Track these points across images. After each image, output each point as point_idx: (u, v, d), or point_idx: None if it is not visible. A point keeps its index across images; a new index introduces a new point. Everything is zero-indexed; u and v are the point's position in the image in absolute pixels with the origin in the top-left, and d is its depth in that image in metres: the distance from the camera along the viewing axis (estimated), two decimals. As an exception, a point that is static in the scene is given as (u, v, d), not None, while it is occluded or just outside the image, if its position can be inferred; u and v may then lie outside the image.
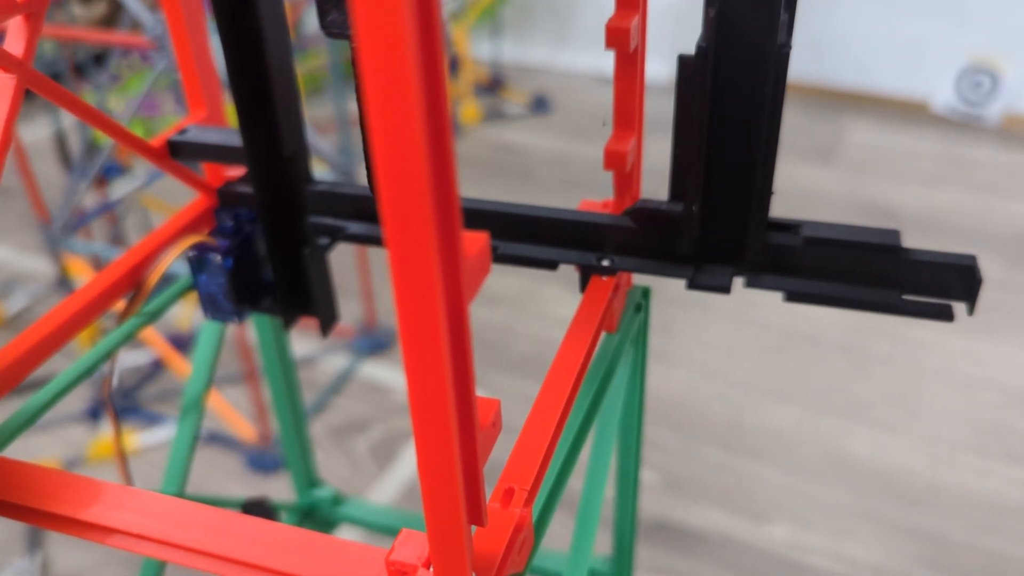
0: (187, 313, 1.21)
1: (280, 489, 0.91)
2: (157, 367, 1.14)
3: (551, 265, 0.28)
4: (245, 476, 0.96)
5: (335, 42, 1.12)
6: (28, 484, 0.20)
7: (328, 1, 0.21)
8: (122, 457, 0.34)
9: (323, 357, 1.14)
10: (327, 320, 0.31)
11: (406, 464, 0.98)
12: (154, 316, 0.28)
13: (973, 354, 1.11)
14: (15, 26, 0.22)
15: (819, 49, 1.89)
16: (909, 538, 0.87)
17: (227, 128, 0.30)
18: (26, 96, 0.24)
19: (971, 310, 0.25)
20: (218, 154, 0.29)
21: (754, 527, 0.89)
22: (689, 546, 0.87)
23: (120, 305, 0.29)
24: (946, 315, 0.25)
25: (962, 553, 0.85)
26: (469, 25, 1.86)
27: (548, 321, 1.21)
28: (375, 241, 0.30)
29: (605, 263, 0.28)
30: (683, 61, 0.24)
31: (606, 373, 0.28)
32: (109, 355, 0.27)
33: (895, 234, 0.25)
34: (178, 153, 0.29)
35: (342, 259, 1.20)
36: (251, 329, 1.03)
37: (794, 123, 1.81)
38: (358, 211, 0.30)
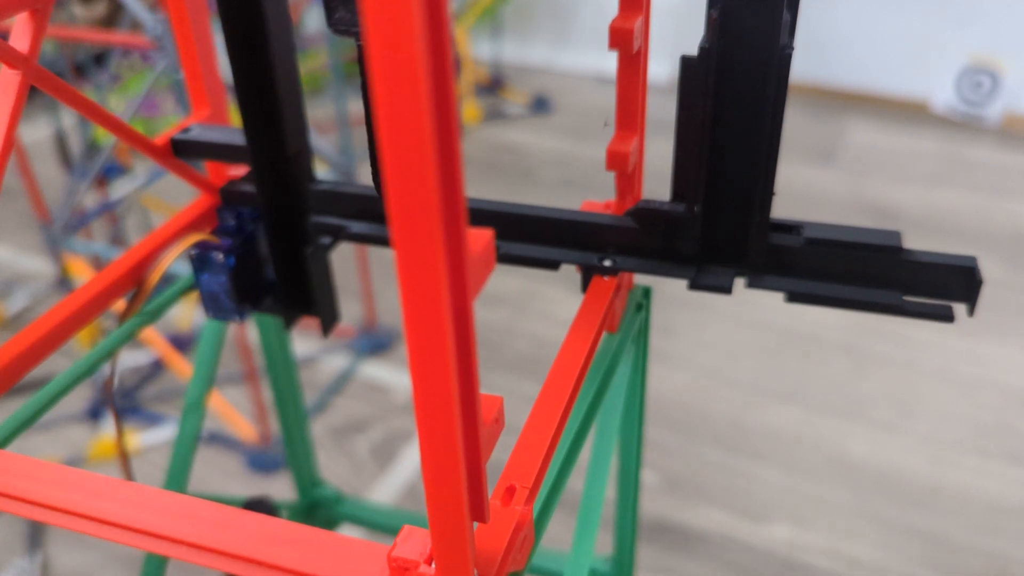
0: (187, 313, 1.21)
1: (280, 489, 0.92)
2: (157, 367, 1.14)
3: (553, 265, 0.29)
4: (245, 476, 0.96)
5: (335, 42, 1.12)
6: (27, 476, 0.20)
7: None
8: (124, 457, 0.34)
9: (323, 357, 1.14)
10: (328, 320, 0.31)
11: (406, 464, 0.98)
12: (155, 315, 0.28)
13: (973, 354, 1.11)
14: (21, 22, 0.22)
15: (819, 49, 1.89)
16: (909, 538, 0.87)
17: (230, 127, 0.30)
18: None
19: (971, 311, 0.25)
20: (221, 153, 0.29)
21: (754, 527, 0.89)
22: (689, 546, 0.87)
23: (120, 304, 0.29)
24: (947, 316, 0.25)
25: (962, 553, 0.85)
26: (469, 25, 1.86)
27: (549, 321, 1.21)
28: (377, 240, 0.30)
29: (607, 263, 0.28)
30: (685, 62, 0.24)
31: (607, 372, 0.28)
32: (110, 355, 0.27)
33: (896, 235, 0.25)
34: (181, 152, 0.29)
35: (342, 259, 1.20)
36: (251, 329, 1.03)
37: (794, 123, 1.81)
38: (360, 210, 0.30)
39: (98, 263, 1.13)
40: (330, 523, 0.43)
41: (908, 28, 1.79)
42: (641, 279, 0.32)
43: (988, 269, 1.27)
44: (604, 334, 0.29)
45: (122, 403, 1.05)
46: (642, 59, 0.25)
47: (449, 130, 0.12)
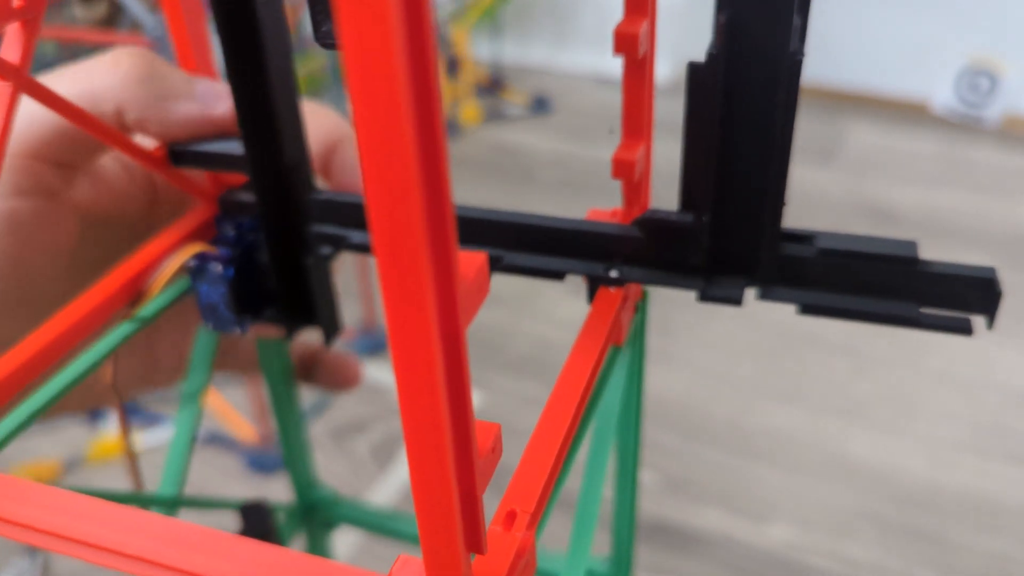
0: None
1: (280, 489, 0.92)
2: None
3: (558, 275, 0.28)
4: (245, 476, 0.97)
5: (335, 43, 1.12)
6: (11, 498, 0.20)
7: (321, 12, 0.21)
8: (132, 460, 0.34)
9: (323, 358, 1.15)
10: (330, 330, 0.31)
11: (406, 465, 0.98)
12: (149, 320, 0.28)
13: (973, 355, 1.11)
14: (11, 32, 0.22)
15: (819, 50, 1.89)
16: (909, 538, 0.87)
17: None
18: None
19: (991, 323, 0.25)
20: (219, 162, 0.28)
21: (754, 527, 0.89)
22: (689, 546, 0.87)
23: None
24: (965, 329, 0.25)
25: (962, 553, 0.85)
26: (469, 25, 1.86)
27: (549, 321, 1.21)
28: None
29: (613, 274, 0.27)
30: (693, 68, 0.23)
31: (603, 374, 0.27)
32: (104, 359, 0.27)
33: (912, 245, 0.25)
34: (178, 160, 0.29)
35: (342, 260, 1.20)
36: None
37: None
38: (361, 220, 0.29)
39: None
40: (328, 525, 0.43)
41: (908, 29, 1.79)
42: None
43: (988, 269, 1.27)
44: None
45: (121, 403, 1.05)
46: (648, 64, 0.25)
47: (436, 151, 0.11)
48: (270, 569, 0.18)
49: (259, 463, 0.98)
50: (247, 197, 0.30)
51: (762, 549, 0.86)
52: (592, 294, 0.27)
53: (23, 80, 0.23)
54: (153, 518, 0.19)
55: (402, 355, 0.13)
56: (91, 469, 0.98)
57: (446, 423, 0.13)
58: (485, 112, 1.89)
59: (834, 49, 1.88)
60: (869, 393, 1.06)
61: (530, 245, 0.28)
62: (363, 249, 0.29)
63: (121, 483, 0.91)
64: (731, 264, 0.26)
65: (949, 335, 0.25)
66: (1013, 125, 1.76)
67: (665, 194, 0.27)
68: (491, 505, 0.16)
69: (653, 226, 0.26)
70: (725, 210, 0.25)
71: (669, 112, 0.25)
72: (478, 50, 2.10)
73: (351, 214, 0.29)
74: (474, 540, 0.16)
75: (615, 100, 0.26)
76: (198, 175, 0.31)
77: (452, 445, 0.14)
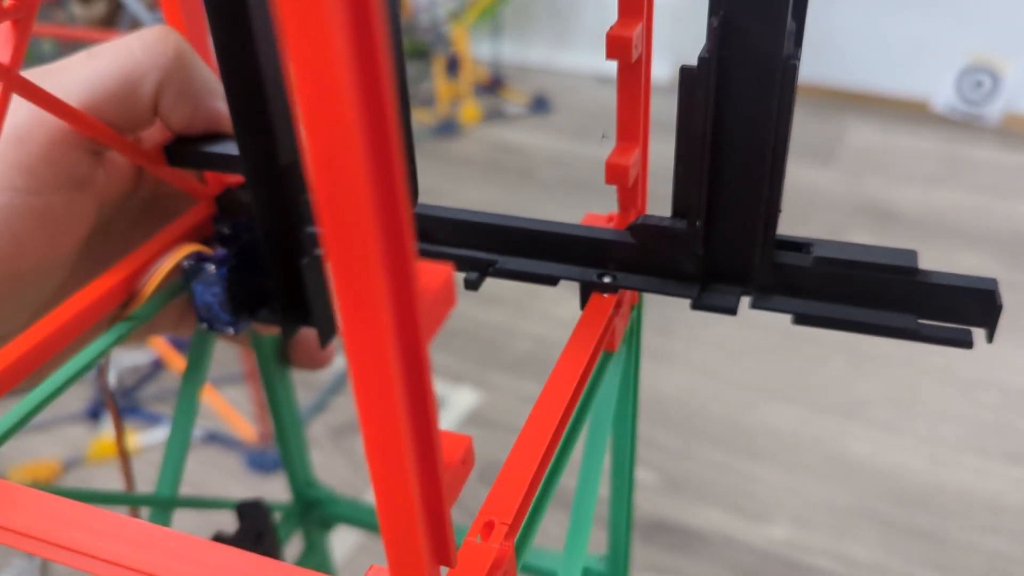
0: (187, 313, 1.21)
1: (280, 489, 0.92)
2: (157, 367, 1.14)
3: (552, 281, 0.27)
4: (245, 476, 0.97)
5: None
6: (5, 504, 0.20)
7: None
8: (125, 461, 0.34)
9: (323, 357, 1.14)
10: (326, 331, 0.31)
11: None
12: (143, 320, 0.28)
13: (973, 354, 1.11)
14: (3, 32, 0.22)
15: (819, 49, 1.89)
16: (909, 538, 0.87)
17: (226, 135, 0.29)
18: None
19: (990, 337, 0.24)
20: (215, 162, 0.28)
21: (754, 527, 0.89)
22: (689, 546, 0.87)
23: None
24: (965, 342, 0.24)
25: (962, 553, 0.85)
26: (469, 25, 1.86)
27: (548, 321, 1.21)
28: None
29: (606, 280, 0.27)
30: (685, 73, 0.23)
31: (595, 379, 0.27)
32: (98, 359, 0.27)
33: (911, 255, 0.24)
34: (174, 160, 0.29)
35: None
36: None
37: (793, 123, 1.80)
38: None
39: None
40: (325, 524, 0.43)
41: (908, 27, 1.79)
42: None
43: (988, 269, 1.27)
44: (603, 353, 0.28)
45: (121, 402, 1.05)
46: (643, 67, 0.24)
47: (389, 159, 0.11)
48: (239, 573, 0.18)
49: (259, 462, 0.98)
50: (244, 197, 0.30)
51: (762, 549, 0.86)
52: (585, 300, 0.27)
53: (15, 79, 0.22)
54: (140, 526, 0.19)
55: (359, 370, 0.12)
56: (91, 469, 0.98)
57: (406, 436, 0.13)
58: (485, 111, 1.89)
59: (835, 47, 1.87)
60: (869, 392, 1.06)
61: (524, 250, 0.28)
62: None
63: (121, 483, 0.91)
64: (725, 272, 0.26)
65: (989, 343, 0.24)
66: (1014, 124, 1.75)
67: (668, 194, 0.26)
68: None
69: (646, 232, 0.26)
70: (718, 217, 0.25)
71: (671, 112, 0.24)
72: (478, 49, 2.10)
73: None
74: (442, 553, 0.15)
75: (615, 100, 0.26)
76: (197, 174, 0.31)
77: (414, 458, 0.13)
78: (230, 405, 1.05)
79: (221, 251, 0.29)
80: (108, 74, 0.27)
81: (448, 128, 1.82)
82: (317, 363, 0.37)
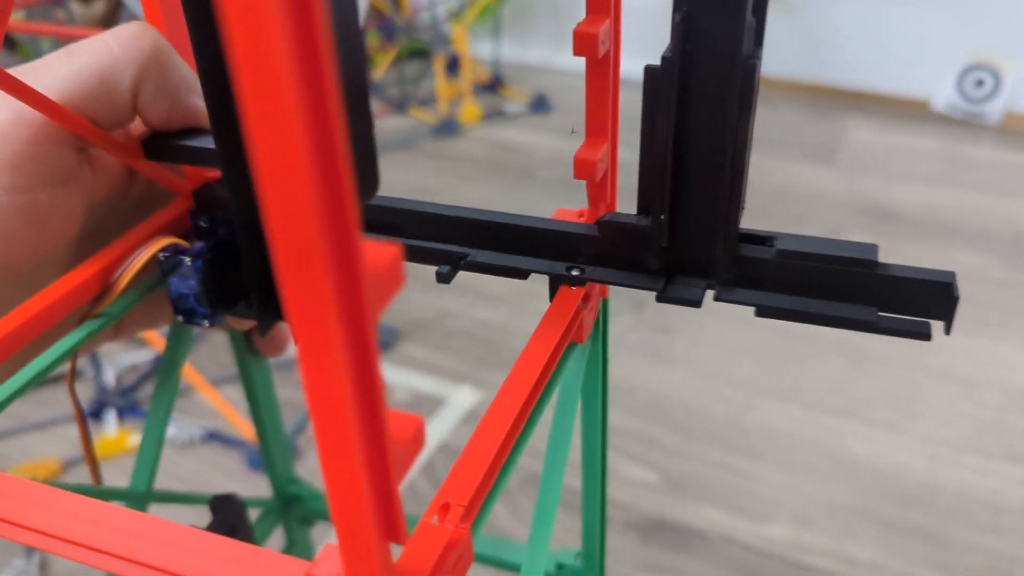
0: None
1: (279, 489, 0.91)
2: (157, 365, 1.14)
3: (522, 274, 0.28)
4: (245, 475, 0.96)
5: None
6: None
7: None
8: (91, 459, 0.34)
9: (323, 357, 1.14)
10: None
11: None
12: (118, 316, 0.28)
13: (973, 353, 1.11)
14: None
15: (819, 48, 1.89)
16: (909, 538, 0.87)
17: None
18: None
19: (948, 329, 0.24)
20: (192, 156, 0.28)
21: (754, 527, 0.88)
22: (689, 546, 0.87)
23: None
24: (924, 334, 0.24)
25: (963, 553, 0.85)
26: (469, 24, 1.86)
27: (548, 320, 1.21)
28: None
29: (574, 273, 0.27)
30: (649, 71, 0.23)
31: (562, 371, 0.27)
32: (67, 354, 0.27)
33: (872, 248, 0.24)
34: (152, 154, 0.29)
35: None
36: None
37: (794, 122, 1.81)
38: None
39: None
40: (306, 520, 0.43)
41: (909, 26, 1.79)
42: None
43: (988, 268, 1.27)
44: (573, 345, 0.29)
45: (121, 402, 1.05)
46: (611, 63, 0.25)
47: (329, 134, 0.11)
48: (194, 552, 0.18)
49: (259, 461, 0.98)
50: (222, 192, 0.30)
51: (762, 548, 0.86)
52: (554, 292, 0.28)
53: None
54: (123, 513, 0.19)
55: (305, 346, 0.12)
56: (90, 468, 0.98)
57: (352, 412, 0.13)
58: (485, 111, 1.89)
59: (835, 46, 1.87)
60: (869, 392, 1.06)
61: (495, 243, 0.28)
62: None
63: (122, 481, 0.91)
64: (690, 265, 0.26)
65: (947, 334, 0.25)
66: (1015, 123, 1.75)
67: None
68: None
69: (612, 229, 0.27)
70: (681, 212, 0.25)
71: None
72: (478, 49, 2.10)
73: None
74: (392, 530, 0.15)
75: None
76: (176, 169, 0.31)
77: (361, 434, 0.14)
78: (230, 404, 1.05)
79: (198, 245, 0.29)
80: (87, 71, 0.27)
81: (448, 127, 1.82)
82: (273, 350, 0.37)
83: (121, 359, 1.13)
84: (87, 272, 0.27)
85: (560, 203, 0.30)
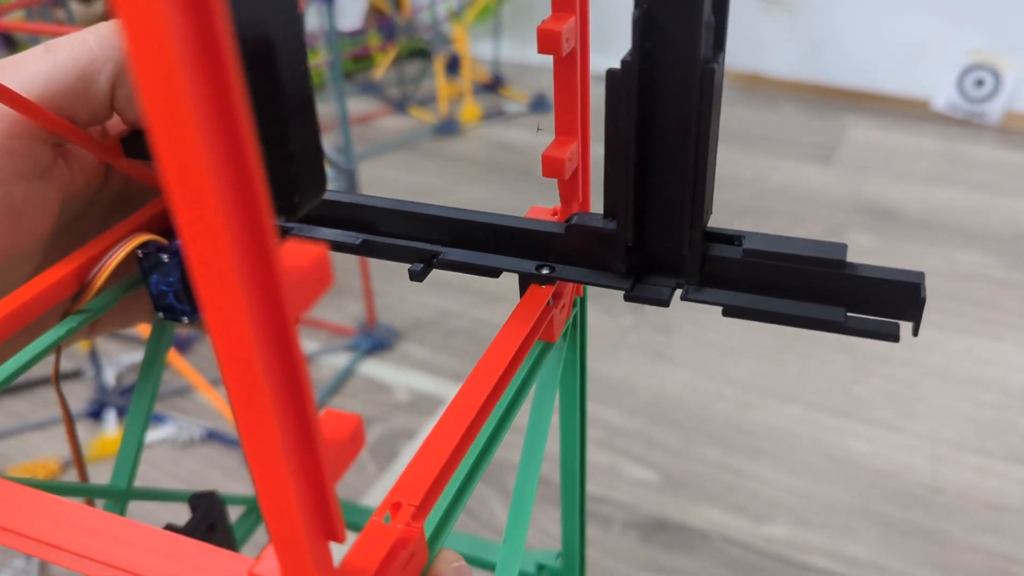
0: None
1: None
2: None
3: (493, 272, 0.28)
4: (245, 474, 0.96)
5: (335, 40, 1.11)
6: None
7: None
8: (78, 458, 0.34)
9: (323, 356, 1.14)
10: None
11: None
12: (98, 312, 0.28)
13: (973, 353, 1.11)
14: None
15: (819, 48, 1.89)
16: (910, 537, 0.87)
17: None
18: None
19: (916, 331, 0.24)
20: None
21: (754, 526, 0.88)
22: (689, 545, 0.87)
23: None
24: (891, 335, 0.24)
25: (963, 552, 0.85)
26: (469, 24, 1.86)
27: (548, 320, 1.21)
28: (340, 248, 0.30)
29: (544, 271, 0.28)
30: (610, 75, 0.23)
31: (531, 370, 0.27)
32: (46, 352, 0.27)
33: (841, 248, 0.24)
34: (131, 152, 0.29)
35: (343, 259, 1.19)
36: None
37: (794, 122, 1.81)
38: (312, 213, 0.30)
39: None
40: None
41: (909, 26, 1.79)
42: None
43: (989, 268, 1.27)
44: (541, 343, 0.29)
45: (120, 401, 1.05)
46: (579, 61, 0.25)
47: (235, 127, 0.11)
48: (140, 547, 0.18)
49: (258, 462, 0.98)
50: None
51: (762, 548, 0.86)
52: (524, 290, 0.28)
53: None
54: (102, 517, 0.19)
55: (223, 349, 0.12)
56: (91, 468, 0.98)
57: (274, 415, 0.13)
58: (485, 110, 1.89)
59: (835, 46, 1.87)
60: (869, 391, 1.06)
61: (468, 241, 0.28)
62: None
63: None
64: (658, 265, 0.26)
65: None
66: (1015, 122, 1.75)
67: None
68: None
69: (580, 232, 0.27)
70: (647, 213, 0.26)
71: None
72: (478, 49, 2.09)
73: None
74: (328, 528, 0.15)
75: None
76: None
77: (288, 437, 0.13)
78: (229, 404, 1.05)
79: (177, 241, 0.29)
80: (64, 68, 0.27)
81: (448, 127, 1.82)
82: None
83: (121, 359, 1.13)
84: (65, 269, 0.27)
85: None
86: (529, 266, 0.28)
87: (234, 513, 0.40)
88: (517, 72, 2.10)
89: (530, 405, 0.28)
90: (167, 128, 0.11)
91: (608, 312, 1.19)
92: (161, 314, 0.30)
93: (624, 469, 0.95)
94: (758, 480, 0.94)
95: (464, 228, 0.28)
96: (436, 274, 0.29)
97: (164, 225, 0.31)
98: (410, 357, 1.14)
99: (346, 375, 1.11)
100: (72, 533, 0.18)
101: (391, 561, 0.18)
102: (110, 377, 1.09)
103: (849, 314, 0.24)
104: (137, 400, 0.33)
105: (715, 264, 0.26)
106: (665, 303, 0.26)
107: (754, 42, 1.94)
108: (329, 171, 0.97)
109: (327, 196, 0.28)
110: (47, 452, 0.99)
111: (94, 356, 1.05)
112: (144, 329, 0.99)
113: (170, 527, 0.35)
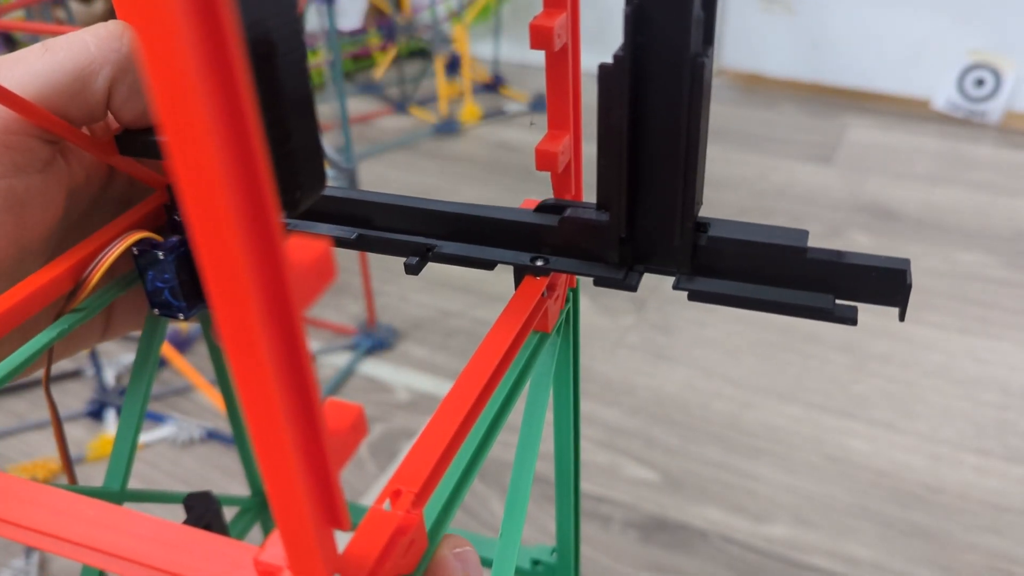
0: (187, 312, 1.20)
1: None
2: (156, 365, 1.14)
3: (488, 265, 0.29)
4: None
5: (335, 40, 1.11)
6: None
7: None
8: (65, 458, 0.34)
9: (323, 356, 1.14)
10: None
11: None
12: (93, 311, 0.28)
13: (974, 352, 1.11)
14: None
15: (819, 48, 1.89)
16: (910, 537, 0.87)
17: None
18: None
19: (902, 315, 0.25)
20: (165, 151, 0.29)
21: (754, 527, 0.88)
22: (689, 545, 0.87)
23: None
24: (849, 319, 0.25)
25: (963, 552, 0.85)
26: (469, 24, 1.86)
27: (548, 320, 1.21)
28: (340, 244, 0.30)
29: (539, 263, 0.28)
30: (603, 69, 0.24)
31: (527, 361, 0.28)
32: (41, 351, 0.27)
33: (802, 234, 0.25)
34: (125, 149, 0.29)
35: (343, 259, 1.19)
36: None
37: (794, 122, 1.81)
38: (315, 211, 0.30)
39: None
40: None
41: (909, 25, 1.79)
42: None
43: (989, 267, 1.27)
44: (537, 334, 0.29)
45: (121, 401, 1.05)
46: (570, 56, 0.25)
47: (244, 131, 0.11)
48: (145, 538, 0.18)
49: (258, 462, 0.98)
50: None
51: (762, 548, 0.86)
52: (519, 282, 0.28)
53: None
54: (100, 506, 0.19)
55: (231, 342, 0.13)
56: (91, 468, 0.98)
57: (280, 406, 0.13)
58: (485, 110, 1.89)
59: (835, 46, 1.87)
60: (869, 391, 1.06)
61: (463, 234, 0.29)
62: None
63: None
64: (650, 256, 0.27)
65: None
66: (1015, 122, 1.75)
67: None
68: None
69: (573, 224, 0.27)
70: (639, 204, 0.26)
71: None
72: (478, 49, 2.09)
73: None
74: (333, 516, 0.16)
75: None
76: (153, 163, 0.31)
77: (293, 427, 0.14)
78: (230, 404, 1.05)
79: (173, 239, 0.29)
80: (62, 67, 0.27)
81: (448, 127, 1.82)
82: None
83: (121, 359, 1.13)
84: (59, 268, 0.27)
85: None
86: (524, 258, 0.28)
87: (229, 514, 0.40)
88: (517, 72, 2.10)
89: (524, 401, 0.28)
90: (179, 127, 0.11)
91: (608, 312, 1.19)
92: (157, 311, 0.30)
93: (624, 469, 0.95)
94: (758, 480, 0.94)
95: (459, 222, 0.29)
96: (436, 274, 0.29)
97: (158, 222, 0.31)
98: (410, 357, 1.14)
99: (346, 375, 1.11)
100: (73, 523, 0.18)
101: (392, 547, 0.19)
102: (110, 377, 1.09)
103: (838, 302, 0.25)
104: (130, 399, 0.33)
105: (706, 254, 0.26)
106: (633, 289, 0.27)
107: (754, 42, 1.94)
108: (330, 171, 0.97)
109: (323, 192, 0.29)
110: (47, 452, 0.99)
111: (94, 356, 1.05)
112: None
113: None
